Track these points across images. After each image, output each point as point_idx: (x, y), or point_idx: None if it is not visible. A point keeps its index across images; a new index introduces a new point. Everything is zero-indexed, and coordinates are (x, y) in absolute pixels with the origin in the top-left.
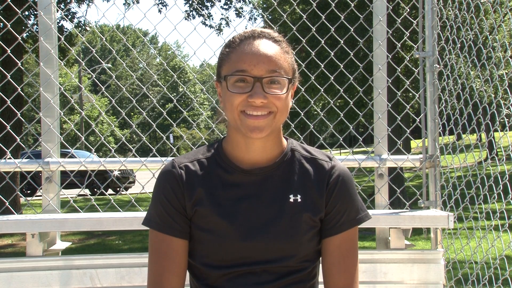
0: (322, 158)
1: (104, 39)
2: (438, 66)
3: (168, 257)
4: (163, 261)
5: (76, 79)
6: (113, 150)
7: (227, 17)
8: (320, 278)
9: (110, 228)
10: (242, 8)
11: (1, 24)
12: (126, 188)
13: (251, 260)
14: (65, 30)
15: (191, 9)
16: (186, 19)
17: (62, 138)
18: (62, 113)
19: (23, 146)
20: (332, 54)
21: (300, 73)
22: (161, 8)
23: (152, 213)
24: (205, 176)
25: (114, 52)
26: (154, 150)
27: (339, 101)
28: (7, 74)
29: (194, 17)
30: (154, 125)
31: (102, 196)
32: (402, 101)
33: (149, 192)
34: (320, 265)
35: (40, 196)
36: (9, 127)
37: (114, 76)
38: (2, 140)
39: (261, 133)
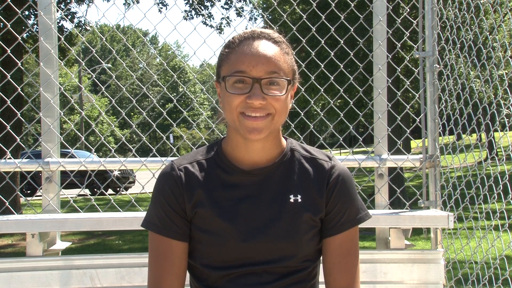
0: (322, 158)
1: (104, 39)
2: (438, 66)
3: (168, 259)
4: (163, 263)
5: (76, 79)
6: (113, 150)
7: (228, 17)
8: (321, 278)
9: (110, 228)
10: (242, 8)
11: (1, 24)
12: (126, 188)
13: (251, 260)
14: (65, 30)
15: (191, 8)
16: (185, 19)
17: (62, 138)
18: (62, 113)
19: (23, 146)
20: (332, 54)
21: (300, 73)
22: (161, 8)
23: (152, 215)
24: (205, 177)
25: (114, 52)
26: (154, 150)
27: (339, 101)
28: (7, 74)
29: (192, 17)
30: (154, 125)
31: (102, 196)
32: (402, 101)
33: (149, 192)
34: (321, 265)
35: (40, 196)
36: (9, 127)
37: (114, 76)
38: (2, 140)
39: (260, 135)
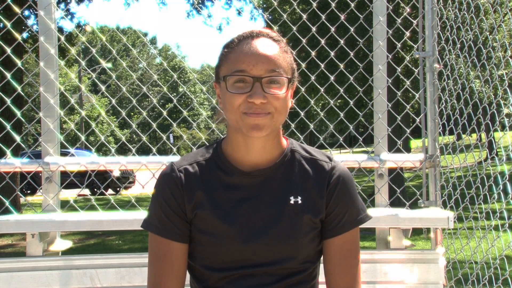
0: (322, 159)
1: (104, 39)
2: (438, 66)
3: (167, 260)
4: (162, 264)
5: (76, 79)
6: (113, 150)
7: (227, 17)
8: (321, 278)
9: (110, 228)
10: (242, 8)
11: (1, 24)
12: (126, 188)
13: (251, 262)
14: (65, 30)
15: (192, 8)
16: (188, 16)
17: (62, 138)
18: (62, 113)
19: (23, 146)
20: (332, 54)
21: (300, 73)
22: (161, 8)
23: (152, 216)
24: (205, 179)
25: (114, 52)
26: (154, 150)
27: (339, 101)
28: (7, 74)
29: (194, 16)
30: (154, 125)
31: (102, 196)
32: (402, 101)
33: (149, 192)
34: (321, 265)
35: (40, 196)
36: (9, 127)
37: (114, 76)
38: (2, 140)
39: (261, 132)
